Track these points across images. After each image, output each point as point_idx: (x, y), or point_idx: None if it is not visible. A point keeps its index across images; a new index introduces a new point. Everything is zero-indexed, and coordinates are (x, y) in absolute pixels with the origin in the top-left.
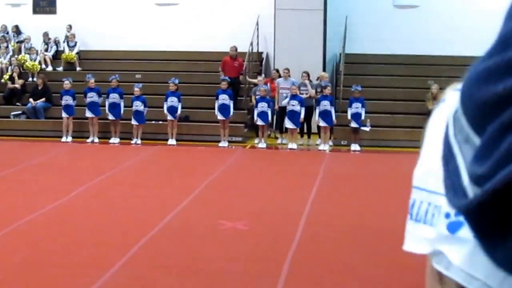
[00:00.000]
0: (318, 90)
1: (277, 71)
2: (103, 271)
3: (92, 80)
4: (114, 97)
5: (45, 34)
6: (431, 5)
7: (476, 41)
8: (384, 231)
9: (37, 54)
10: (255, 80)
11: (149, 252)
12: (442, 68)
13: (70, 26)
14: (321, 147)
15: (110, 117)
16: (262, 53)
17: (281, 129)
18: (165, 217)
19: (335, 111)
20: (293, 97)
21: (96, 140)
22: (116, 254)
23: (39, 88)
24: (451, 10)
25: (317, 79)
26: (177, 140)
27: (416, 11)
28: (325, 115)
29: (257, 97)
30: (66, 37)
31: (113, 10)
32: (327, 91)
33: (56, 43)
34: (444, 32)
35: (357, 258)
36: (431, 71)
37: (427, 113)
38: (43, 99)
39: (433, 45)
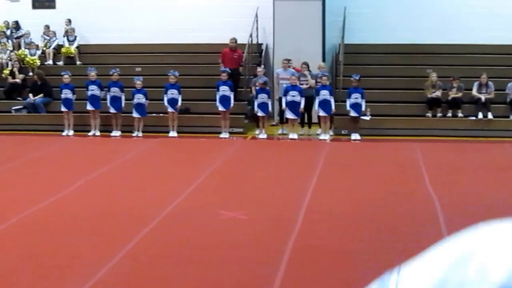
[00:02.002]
0: (318, 80)
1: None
2: (104, 261)
3: (93, 73)
4: (115, 90)
5: (46, 27)
6: None
7: (474, 28)
8: (384, 218)
9: (37, 49)
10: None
11: (149, 242)
12: (441, 57)
13: (70, 21)
14: (322, 137)
15: (112, 110)
16: (261, 44)
17: (282, 120)
18: (166, 208)
19: (335, 101)
20: (293, 87)
21: (98, 133)
22: (117, 245)
23: (38, 83)
24: None
25: (318, 69)
26: (178, 132)
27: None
28: (324, 104)
29: (256, 88)
30: (66, 31)
31: (112, 4)
32: (324, 80)
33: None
34: (442, 21)
35: (357, 245)
36: (429, 59)
37: (426, 102)
38: (41, 94)
39: (431, 34)
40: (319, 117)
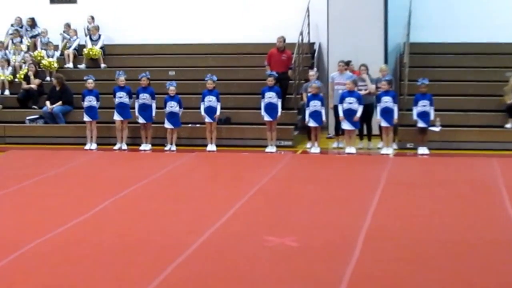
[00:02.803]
0: (379, 85)
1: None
2: None
3: (123, 78)
4: (144, 97)
5: (67, 26)
6: None
7: None
8: (456, 245)
9: (55, 50)
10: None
11: (185, 274)
12: None
13: (92, 18)
14: (384, 151)
15: (141, 120)
16: (313, 44)
17: (337, 131)
18: (203, 233)
19: (399, 109)
20: (350, 93)
21: (125, 146)
22: (147, 277)
23: (57, 88)
24: None
25: (380, 72)
26: (216, 146)
27: None
28: (386, 113)
29: (308, 94)
30: (88, 30)
31: None
32: (386, 86)
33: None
34: None
35: (427, 277)
36: (508, 61)
37: (506, 110)
38: (60, 102)
39: (510, 31)
40: (380, 128)
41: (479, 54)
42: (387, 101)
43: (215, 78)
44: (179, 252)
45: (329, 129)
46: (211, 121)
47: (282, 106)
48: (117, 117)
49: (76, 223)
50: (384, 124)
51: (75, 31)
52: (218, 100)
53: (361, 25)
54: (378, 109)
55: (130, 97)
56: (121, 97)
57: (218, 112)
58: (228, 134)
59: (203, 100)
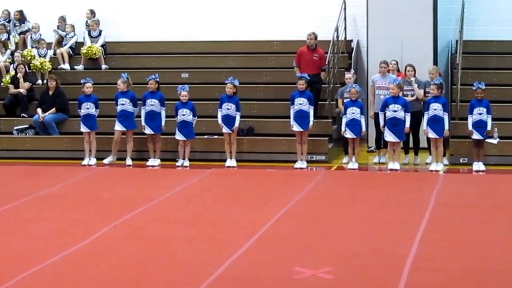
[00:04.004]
0: (427, 90)
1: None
2: None
3: (123, 80)
4: (152, 104)
5: (61, 19)
6: None
7: None
8: None
9: (48, 48)
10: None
11: None
12: None
13: (92, 12)
14: (433, 167)
15: (148, 131)
16: (351, 41)
17: (379, 144)
18: (222, 264)
19: (451, 118)
20: (395, 99)
21: (130, 162)
22: None
23: (50, 93)
24: None
25: (429, 74)
26: (237, 161)
27: None
28: (436, 123)
29: (345, 100)
30: (87, 25)
31: None
32: (435, 90)
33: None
34: None
35: None
36: None
37: None
38: (53, 109)
39: None
40: (429, 140)
41: None
42: (436, 108)
43: (237, 82)
44: (194, 285)
45: (369, 141)
46: (230, 131)
47: (314, 114)
48: (118, 127)
49: (71, 252)
50: (432, 135)
51: (72, 26)
52: (238, 109)
53: (406, 19)
54: (426, 117)
55: (134, 104)
56: (123, 104)
57: (237, 124)
58: (251, 147)
59: (220, 107)
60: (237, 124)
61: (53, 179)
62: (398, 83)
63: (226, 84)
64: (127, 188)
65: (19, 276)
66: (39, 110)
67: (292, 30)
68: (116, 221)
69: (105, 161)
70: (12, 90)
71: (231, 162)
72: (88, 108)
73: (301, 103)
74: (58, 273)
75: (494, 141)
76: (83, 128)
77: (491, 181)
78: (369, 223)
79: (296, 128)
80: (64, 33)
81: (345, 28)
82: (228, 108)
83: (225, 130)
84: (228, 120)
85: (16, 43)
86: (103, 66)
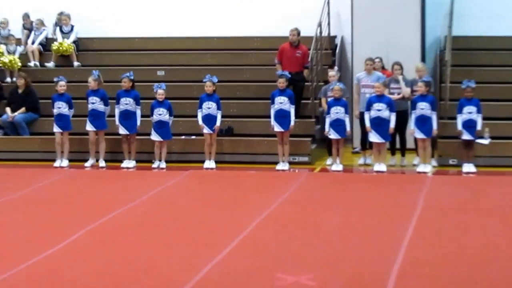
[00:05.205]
0: (414, 88)
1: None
2: None
3: (93, 78)
4: (127, 102)
5: (26, 16)
6: None
7: None
8: (510, 285)
9: (17, 44)
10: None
11: None
12: None
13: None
14: (420, 169)
15: (122, 131)
16: (335, 37)
17: (364, 144)
18: (200, 271)
19: (439, 118)
20: (380, 98)
21: (103, 163)
22: None
23: (20, 92)
24: None
25: (416, 72)
26: (216, 162)
27: None
28: (423, 122)
29: (329, 99)
30: (58, 20)
31: None
32: (423, 88)
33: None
34: None
35: None
36: None
37: None
38: (23, 109)
39: None
40: (416, 140)
41: None
42: (423, 107)
43: (215, 79)
44: None
45: (354, 141)
46: (210, 132)
47: (296, 113)
48: (89, 127)
49: (42, 257)
50: (420, 135)
51: (42, 22)
52: (218, 108)
53: (392, 14)
54: (413, 117)
55: (105, 103)
56: (94, 103)
57: (218, 123)
58: (231, 148)
59: (200, 107)
60: (218, 123)
61: (24, 182)
62: (384, 81)
63: (204, 82)
64: (101, 191)
65: None
66: (8, 110)
67: (273, 25)
68: (89, 225)
69: (86, 164)
70: None
71: (210, 164)
72: (60, 108)
73: (282, 102)
74: (29, 279)
75: (486, 141)
76: (56, 129)
77: (481, 183)
78: (354, 227)
79: (276, 128)
80: (34, 29)
81: (328, 24)
82: (209, 107)
83: (206, 130)
84: (209, 119)
85: None
86: (75, 63)
